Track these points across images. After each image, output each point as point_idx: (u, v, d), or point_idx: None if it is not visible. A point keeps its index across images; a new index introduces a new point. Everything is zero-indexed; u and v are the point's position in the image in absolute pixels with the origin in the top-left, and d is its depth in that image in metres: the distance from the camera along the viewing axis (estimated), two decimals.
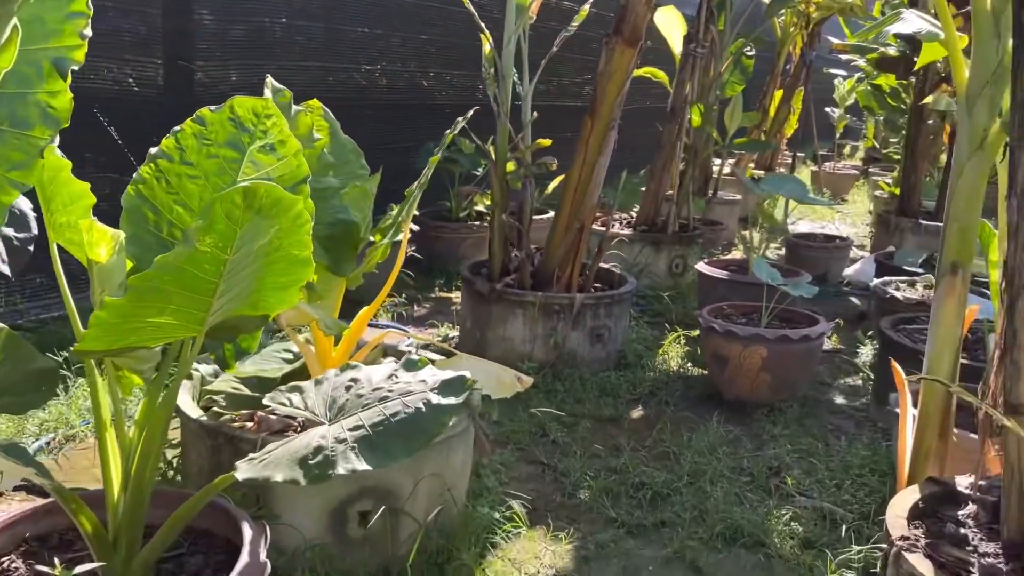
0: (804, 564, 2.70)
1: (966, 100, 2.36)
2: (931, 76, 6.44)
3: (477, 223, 6.50)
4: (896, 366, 2.73)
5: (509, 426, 3.67)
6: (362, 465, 1.47)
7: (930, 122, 7.04)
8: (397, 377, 1.68)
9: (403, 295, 5.54)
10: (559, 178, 5.06)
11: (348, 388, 1.72)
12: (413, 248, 6.34)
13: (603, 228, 5.33)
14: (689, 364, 4.66)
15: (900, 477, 2.64)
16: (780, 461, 3.46)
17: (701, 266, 5.52)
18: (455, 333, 4.91)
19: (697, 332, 4.65)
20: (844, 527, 2.87)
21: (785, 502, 3.12)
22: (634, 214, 6.68)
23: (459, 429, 2.59)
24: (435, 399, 1.55)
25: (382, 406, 1.58)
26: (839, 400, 4.31)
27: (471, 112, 3.03)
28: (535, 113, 4.56)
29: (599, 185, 4.44)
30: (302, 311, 2.27)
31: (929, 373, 2.50)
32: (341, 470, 1.47)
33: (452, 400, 1.56)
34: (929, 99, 5.63)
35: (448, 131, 2.82)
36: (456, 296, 5.75)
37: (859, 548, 2.68)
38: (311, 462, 1.51)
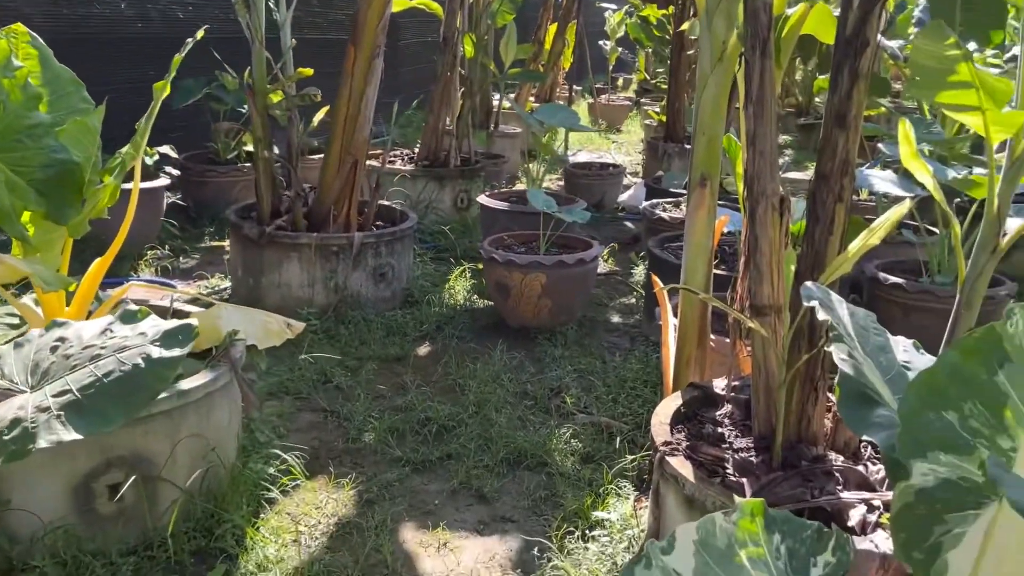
0: (584, 478, 2.78)
1: (706, 15, 2.42)
2: (688, 5, 6.73)
3: (248, 165, 6.09)
4: (655, 279, 2.83)
5: (287, 375, 3.49)
6: (70, 435, 1.28)
7: (691, 52, 7.40)
8: (112, 332, 1.47)
9: (167, 247, 5.10)
10: (324, 109, 4.80)
11: (54, 349, 1.49)
12: (177, 195, 5.85)
13: (380, 164, 5.15)
14: (475, 297, 4.66)
15: (666, 385, 2.76)
16: (561, 382, 3.54)
17: (483, 199, 5.51)
18: (228, 284, 4.58)
19: (482, 265, 4.65)
20: (619, 439, 2.98)
21: (566, 421, 3.19)
22: (417, 150, 6.54)
23: (220, 384, 2.39)
24: (156, 352, 1.37)
25: (93, 366, 1.38)
26: (615, 319, 4.48)
27: (200, 33, 2.73)
28: (294, 41, 4.26)
29: (369, 118, 4.25)
30: (9, 266, 1.96)
31: (686, 283, 2.60)
32: (43, 443, 1.27)
33: (176, 352, 1.39)
34: (686, 26, 5.88)
35: (177, 54, 2.53)
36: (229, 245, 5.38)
37: (632, 457, 2.79)
38: (6, 438, 1.28)
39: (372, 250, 4.28)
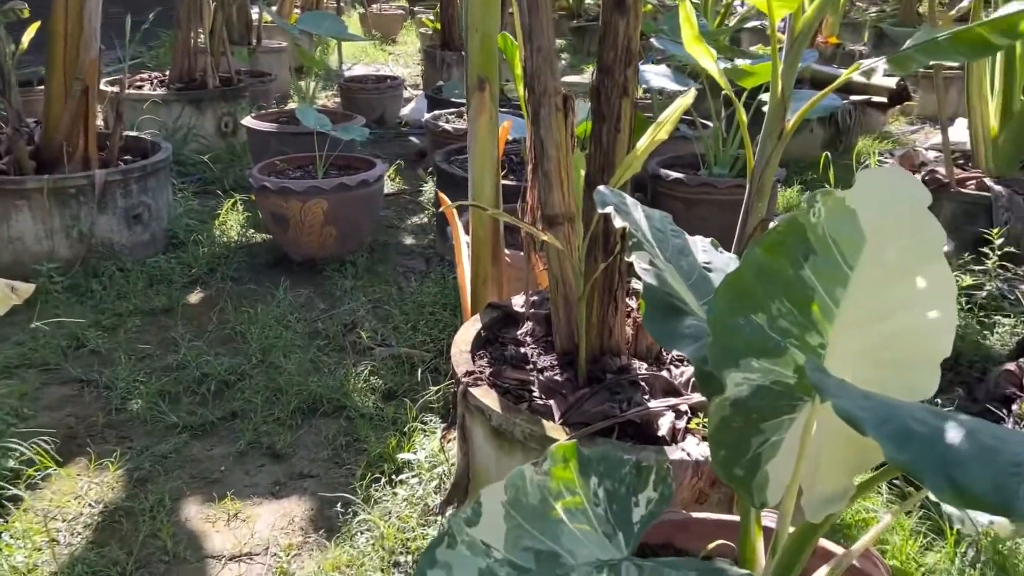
0: (387, 418, 2.58)
1: None
2: None
3: None
4: (442, 196, 2.63)
5: (27, 347, 2.97)
6: None
7: None
8: None
9: None
10: (34, 26, 4.09)
11: None
12: None
13: (119, 89, 4.49)
14: (251, 232, 4.24)
15: (464, 308, 2.60)
16: (355, 316, 3.29)
17: (249, 121, 5.00)
18: None
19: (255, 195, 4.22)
20: (421, 369, 2.80)
21: (363, 357, 2.96)
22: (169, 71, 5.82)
23: None
24: None
25: None
26: (408, 241, 4.25)
27: None
28: None
29: (95, 35, 3.63)
30: None
31: (474, 198, 2.41)
32: None
33: None
34: None
35: None
36: None
37: (436, 388, 2.63)
38: None
39: (121, 189, 3.73)
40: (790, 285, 1.19)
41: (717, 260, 1.51)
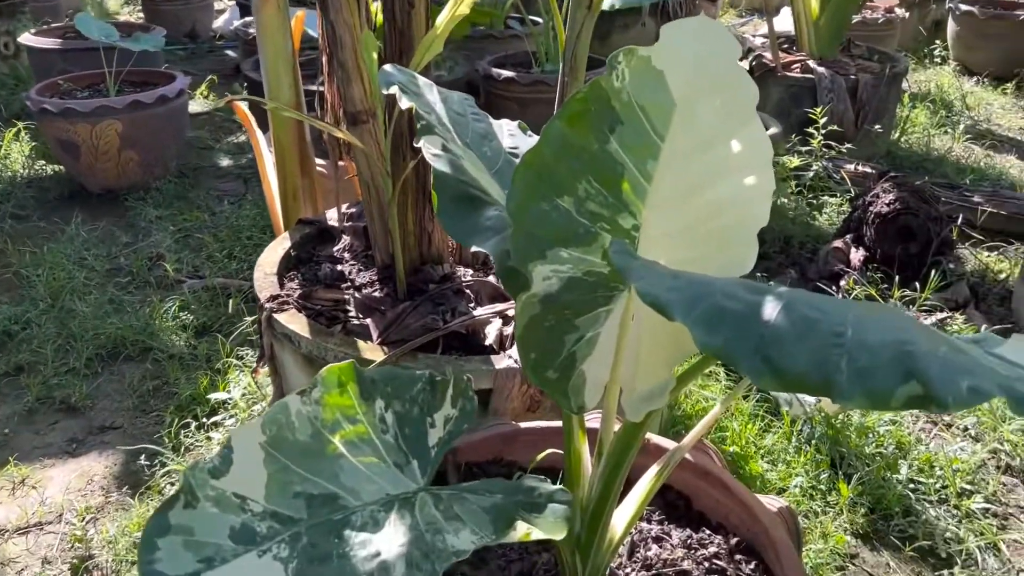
0: (200, 356, 2.33)
1: None
2: None
3: None
4: (236, 103, 2.33)
5: None
6: None
7: None
8: None
9: None
10: None
11: None
12: None
13: None
14: (41, 163, 3.74)
15: (276, 227, 2.35)
16: (162, 247, 2.95)
17: (28, 39, 4.39)
18: None
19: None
20: (236, 300, 2.54)
21: (172, 292, 2.66)
22: None
23: None
24: None
25: None
26: (224, 162, 3.88)
27: None
28: None
29: None
30: None
31: (271, 100, 2.14)
32: None
33: None
34: None
35: None
36: None
37: (252, 318, 2.39)
38: None
39: None
40: (597, 161, 1.05)
41: (525, 144, 1.35)
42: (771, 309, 0.75)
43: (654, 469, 1.19)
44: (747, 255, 1.05)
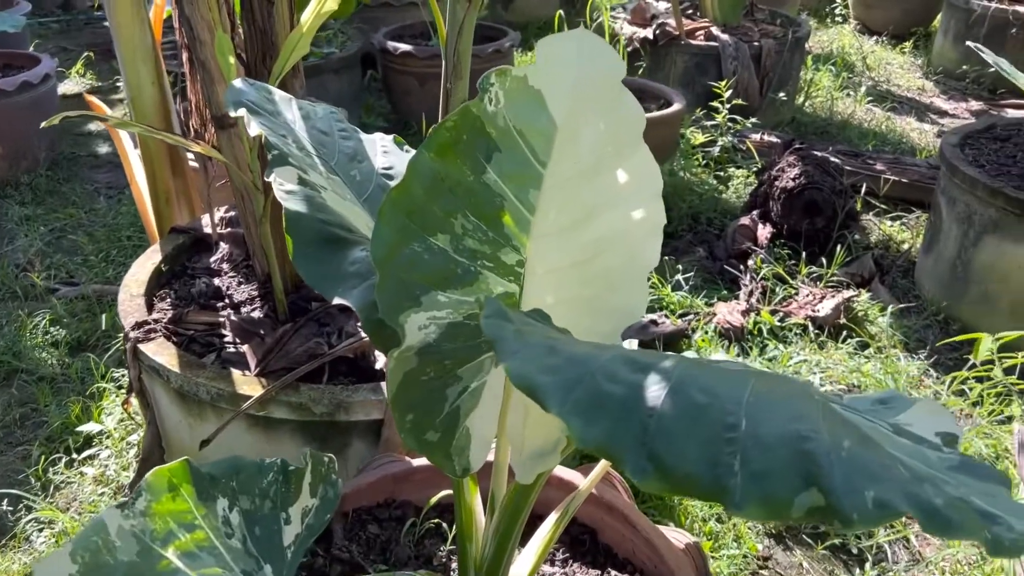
0: (73, 376, 2.14)
1: None
2: None
3: None
4: (92, 99, 2.12)
5: None
6: None
7: None
8: None
9: None
10: None
11: None
12: None
13: None
14: None
15: (150, 234, 2.16)
16: (32, 251, 2.71)
17: None
18: None
19: None
20: (112, 313, 2.34)
21: (42, 304, 2.44)
22: None
23: None
24: None
25: None
26: (103, 149, 3.59)
27: None
28: None
29: None
30: None
31: (131, 99, 1.94)
32: None
33: None
34: None
35: None
36: None
37: None
38: None
39: None
40: (473, 194, 0.94)
41: (400, 164, 1.22)
42: (656, 391, 0.66)
43: (553, 517, 1.10)
44: (639, 299, 0.96)
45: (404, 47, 3.61)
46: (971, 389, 2.09)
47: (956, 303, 2.40)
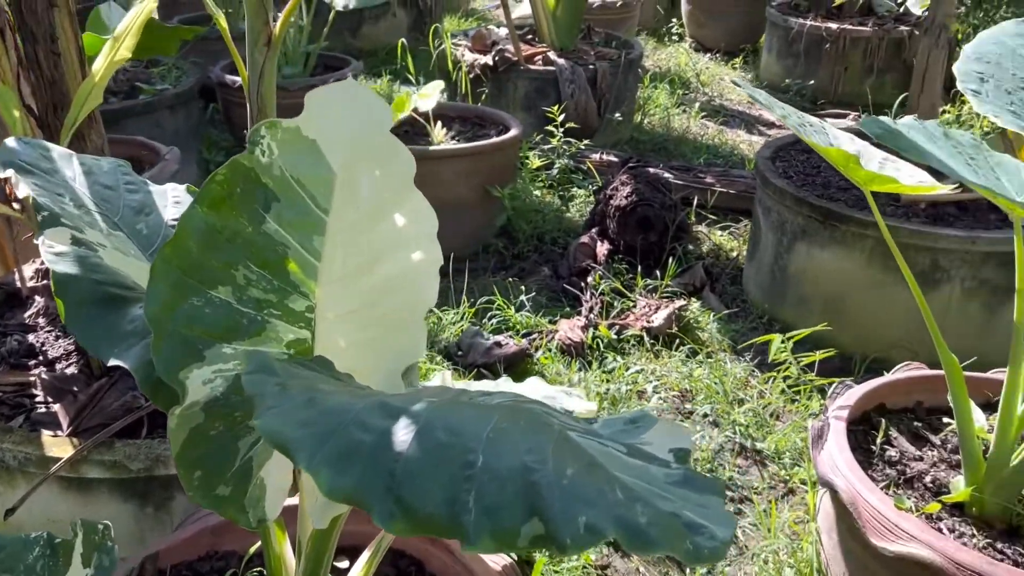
0: None
1: None
2: None
3: None
4: None
5: None
6: None
7: None
8: None
9: None
10: None
11: None
12: None
13: None
14: None
15: None
16: None
17: None
18: None
19: None
20: None
21: None
22: None
23: None
24: None
25: None
26: None
27: None
28: None
29: None
30: None
31: None
32: None
33: None
34: None
35: None
36: None
37: None
38: None
39: None
40: (254, 245, 0.95)
41: None
42: (405, 436, 0.69)
43: (366, 554, 1.12)
44: (419, 339, 0.99)
45: (240, 80, 3.55)
46: (790, 387, 2.24)
47: (777, 306, 2.58)
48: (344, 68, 3.79)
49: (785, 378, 2.25)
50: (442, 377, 1.30)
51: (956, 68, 1.41)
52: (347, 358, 0.99)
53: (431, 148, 2.87)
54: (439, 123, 3.03)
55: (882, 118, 1.12)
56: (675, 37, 5.87)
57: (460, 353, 2.38)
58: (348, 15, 4.68)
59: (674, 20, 6.01)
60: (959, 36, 3.44)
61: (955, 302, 2.21)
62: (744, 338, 2.54)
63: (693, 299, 2.73)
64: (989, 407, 1.58)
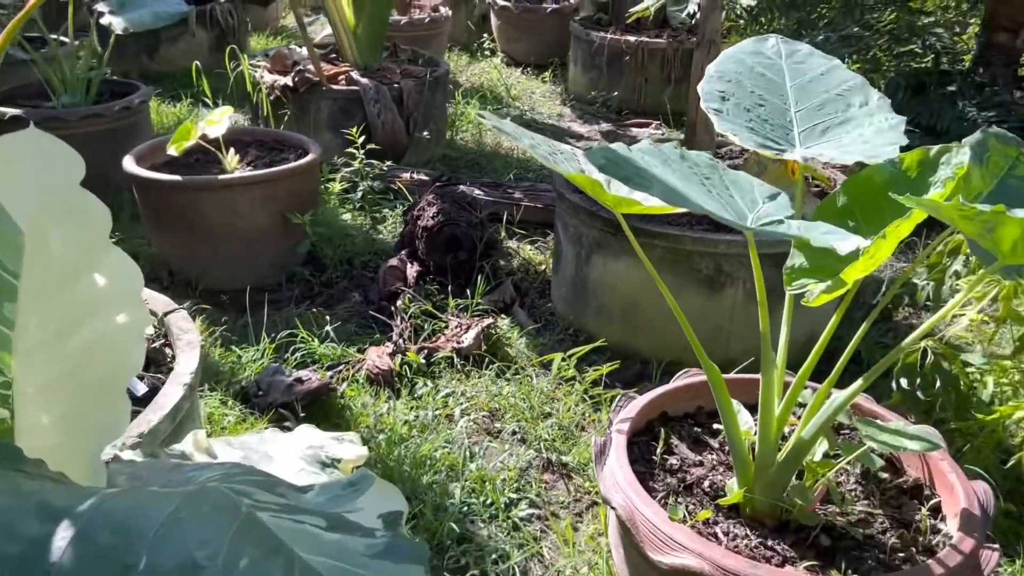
0: None
1: None
2: None
3: None
4: None
5: None
6: None
7: None
8: None
9: None
10: None
11: None
12: None
13: None
14: None
15: None
16: None
17: None
18: None
19: None
20: None
21: None
22: None
23: None
24: None
25: None
26: None
27: None
28: None
29: None
30: None
31: None
32: None
33: None
34: None
35: None
36: None
37: None
38: None
39: None
40: None
41: None
42: (63, 540, 0.61)
43: None
44: (122, 412, 0.91)
45: (14, 111, 3.26)
46: (592, 398, 2.29)
47: (581, 317, 2.63)
48: (132, 94, 3.55)
49: (587, 389, 2.29)
50: (193, 439, 1.21)
51: (700, 88, 1.47)
52: (49, 436, 0.90)
53: (221, 177, 2.73)
54: (232, 149, 2.89)
55: (612, 146, 1.14)
56: (487, 52, 5.94)
57: (260, 393, 2.27)
58: (143, 36, 4.40)
59: (485, 35, 6.08)
60: None
61: (739, 304, 2.33)
62: (551, 351, 2.57)
63: (504, 315, 2.74)
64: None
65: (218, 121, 2.80)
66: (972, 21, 4.08)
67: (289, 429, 2.12)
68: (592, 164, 1.07)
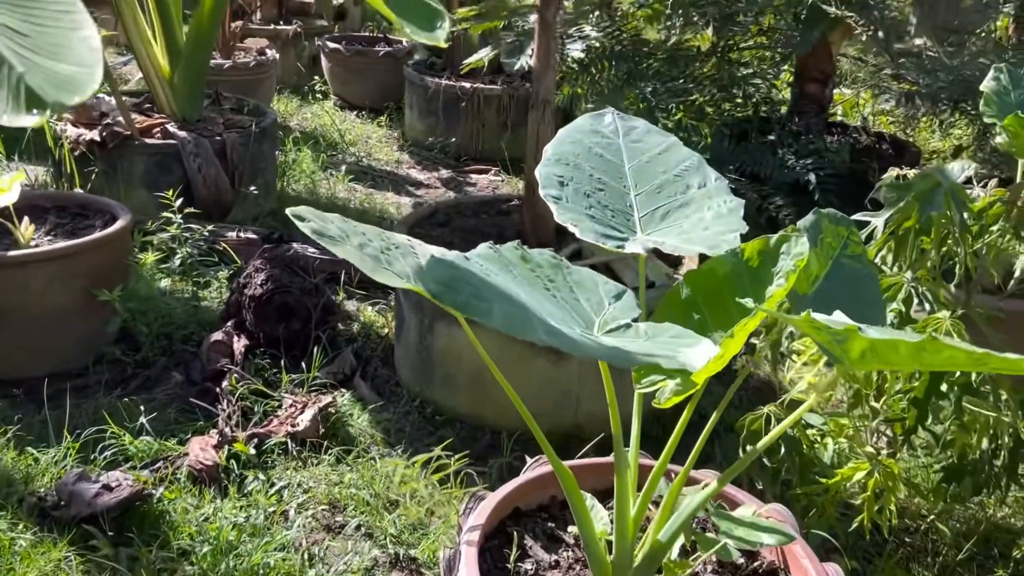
0: None
1: None
2: None
3: None
4: None
5: None
6: None
7: None
8: None
9: None
10: None
11: None
12: None
13: None
14: None
15: None
16: None
17: None
18: None
19: None
20: None
21: None
22: None
23: None
24: None
25: None
26: None
27: None
28: None
29: None
30: None
31: None
32: None
33: None
34: None
35: None
36: None
37: None
38: None
39: None
40: None
41: None
42: None
43: None
44: None
45: None
46: (440, 483, 2.16)
47: (427, 387, 2.50)
48: None
49: (437, 469, 2.16)
50: None
51: (537, 172, 1.40)
52: None
53: (12, 254, 2.41)
54: (26, 219, 2.57)
55: (451, 257, 1.03)
56: (319, 95, 5.73)
57: (62, 504, 1.98)
58: None
59: (317, 77, 5.88)
60: (570, 98, 3.67)
61: (587, 368, 2.28)
62: (398, 425, 2.42)
63: (344, 388, 2.56)
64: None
65: (8, 189, 2.48)
66: (785, 69, 4.31)
67: (96, 549, 1.86)
68: (427, 290, 0.96)
